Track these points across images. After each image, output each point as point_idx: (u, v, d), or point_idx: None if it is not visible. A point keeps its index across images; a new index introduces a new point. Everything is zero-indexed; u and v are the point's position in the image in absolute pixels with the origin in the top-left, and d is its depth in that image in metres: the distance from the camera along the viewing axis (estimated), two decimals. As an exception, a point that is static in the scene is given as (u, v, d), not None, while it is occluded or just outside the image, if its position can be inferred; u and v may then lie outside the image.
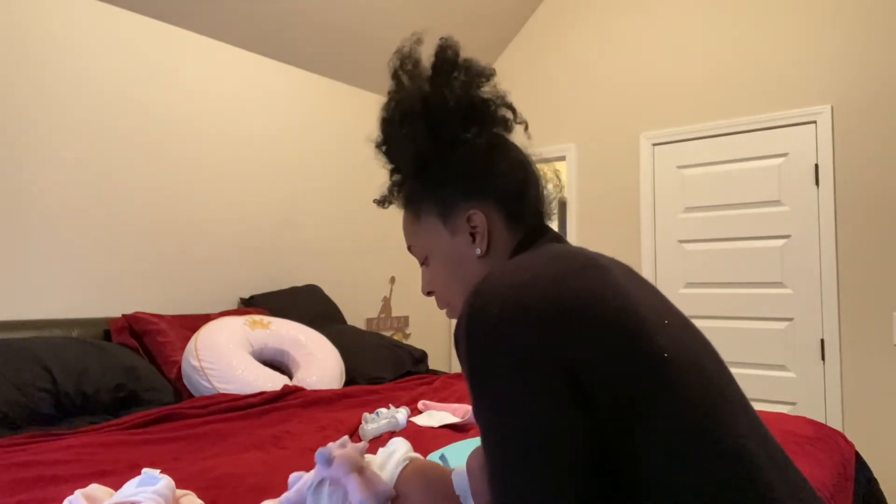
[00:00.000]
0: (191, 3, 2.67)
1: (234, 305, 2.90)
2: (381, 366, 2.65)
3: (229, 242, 2.92)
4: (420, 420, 1.79)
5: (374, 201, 0.92)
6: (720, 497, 0.57)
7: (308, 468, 1.31)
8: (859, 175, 2.70)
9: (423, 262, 0.87)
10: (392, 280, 3.76)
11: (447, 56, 0.84)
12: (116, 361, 2.00)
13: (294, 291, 3.02)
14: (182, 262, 2.73)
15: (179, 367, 2.19)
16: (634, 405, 0.59)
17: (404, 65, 0.86)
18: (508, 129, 0.88)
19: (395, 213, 3.82)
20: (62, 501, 1.02)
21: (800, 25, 2.88)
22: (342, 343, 2.59)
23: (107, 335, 2.30)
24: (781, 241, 2.89)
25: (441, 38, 0.84)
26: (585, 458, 0.58)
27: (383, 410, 1.77)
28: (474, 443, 1.50)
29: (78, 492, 1.01)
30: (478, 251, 0.81)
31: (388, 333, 3.62)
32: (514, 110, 0.88)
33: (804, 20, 2.86)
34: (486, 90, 0.85)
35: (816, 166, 2.80)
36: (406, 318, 3.84)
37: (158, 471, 1.05)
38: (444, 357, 4.10)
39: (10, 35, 2.23)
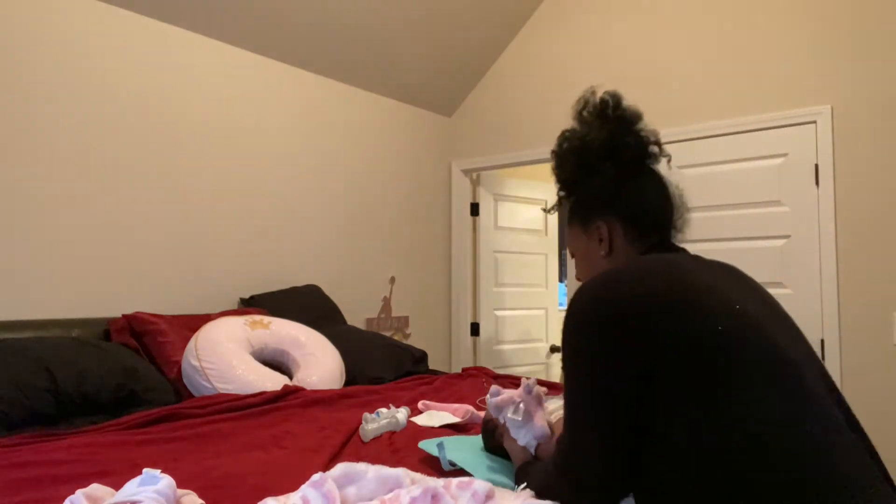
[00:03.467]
0: (191, 3, 2.67)
1: (234, 305, 2.90)
2: (381, 366, 2.65)
3: (229, 242, 2.92)
4: (420, 420, 1.79)
5: (543, 209, 1.45)
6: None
7: (308, 468, 1.31)
8: (859, 175, 2.70)
9: (573, 256, 1.17)
10: (392, 280, 3.76)
11: (606, 106, 1.11)
12: (116, 361, 2.00)
13: (294, 291, 3.02)
14: (182, 262, 2.73)
15: (179, 367, 2.19)
16: (687, 371, 0.78)
17: (581, 109, 1.14)
18: (655, 161, 1.13)
19: (395, 214, 3.82)
20: (63, 501, 1.02)
21: (800, 25, 2.88)
22: (342, 343, 2.59)
23: (107, 335, 2.30)
24: (781, 241, 2.89)
25: (605, 93, 1.12)
26: (626, 425, 0.80)
27: (384, 410, 1.77)
28: (474, 439, 1.50)
29: (79, 491, 1.01)
30: (602, 252, 1.09)
31: (388, 333, 3.62)
32: (660, 146, 1.12)
33: (804, 20, 2.87)
34: (638, 129, 1.10)
35: (816, 166, 2.81)
36: (406, 318, 3.84)
37: (159, 471, 1.05)
38: (444, 357, 4.10)
39: (9, 35, 2.23)
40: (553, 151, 1.15)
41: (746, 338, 0.79)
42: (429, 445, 1.39)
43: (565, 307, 3.75)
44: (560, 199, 1.20)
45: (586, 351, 0.84)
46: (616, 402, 0.79)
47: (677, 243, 1.13)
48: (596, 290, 0.87)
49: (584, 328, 0.85)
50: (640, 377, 0.78)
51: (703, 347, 0.77)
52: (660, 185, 1.10)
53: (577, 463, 0.84)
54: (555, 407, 1.29)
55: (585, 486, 0.82)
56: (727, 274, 0.97)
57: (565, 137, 1.14)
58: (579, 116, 1.13)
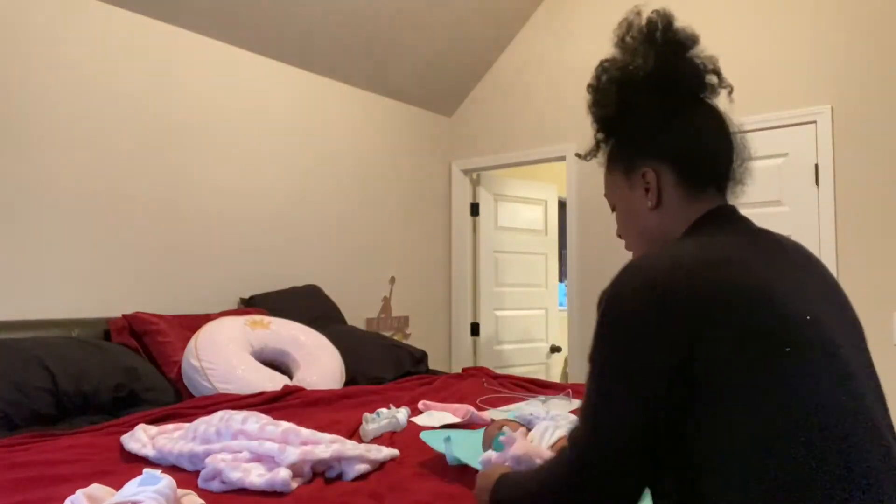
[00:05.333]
0: (193, 3, 2.67)
1: (234, 305, 2.90)
2: (381, 366, 2.65)
3: (229, 242, 2.92)
4: (420, 420, 1.79)
5: (576, 154, 1.14)
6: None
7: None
8: (859, 175, 2.70)
9: (613, 210, 1.02)
10: (392, 280, 3.76)
11: (654, 29, 0.95)
12: (116, 361, 2.00)
13: (294, 291, 3.02)
14: (182, 262, 2.73)
15: (179, 367, 2.19)
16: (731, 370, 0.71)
17: (624, 34, 0.98)
18: (713, 93, 0.97)
19: (395, 214, 3.82)
20: (63, 501, 1.02)
21: (800, 25, 2.88)
22: (342, 343, 2.59)
23: (107, 335, 2.30)
24: (781, 241, 2.89)
25: (653, 12, 0.96)
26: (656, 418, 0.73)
27: (384, 410, 1.77)
28: (477, 434, 1.50)
29: (79, 491, 1.01)
30: (649, 204, 0.94)
31: (388, 333, 3.62)
32: (719, 75, 0.96)
33: (804, 20, 2.87)
34: (692, 55, 0.94)
35: (816, 166, 2.81)
36: (406, 318, 3.84)
37: (159, 471, 1.05)
38: (444, 357, 4.10)
39: (9, 36, 2.23)
40: (589, 85, 1.00)
41: (812, 349, 0.75)
42: (433, 439, 1.38)
43: (566, 307, 3.75)
44: (598, 143, 1.04)
45: (622, 336, 0.76)
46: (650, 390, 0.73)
47: (735, 199, 1.02)
48: (648, 277, 0.77)
49: (624, 319, 0.76)
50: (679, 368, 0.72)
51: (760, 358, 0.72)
52: (718, 121, 0.94)
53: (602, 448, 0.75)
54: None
55: (612, 470, 0.74)
56: (799, 267, 0.87)
57: (604, 68, 0.98)
58: (621, 43, 0.97)
